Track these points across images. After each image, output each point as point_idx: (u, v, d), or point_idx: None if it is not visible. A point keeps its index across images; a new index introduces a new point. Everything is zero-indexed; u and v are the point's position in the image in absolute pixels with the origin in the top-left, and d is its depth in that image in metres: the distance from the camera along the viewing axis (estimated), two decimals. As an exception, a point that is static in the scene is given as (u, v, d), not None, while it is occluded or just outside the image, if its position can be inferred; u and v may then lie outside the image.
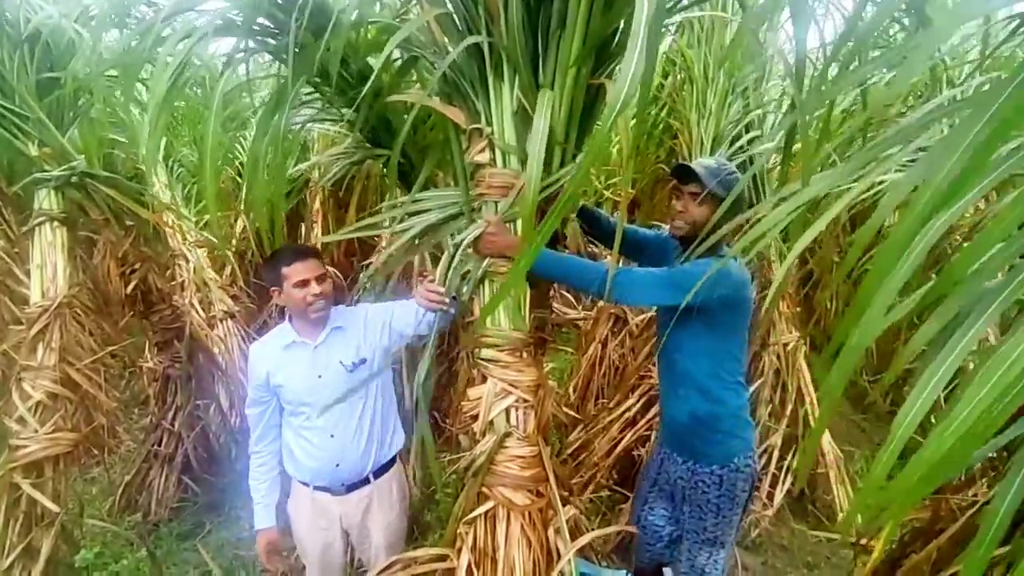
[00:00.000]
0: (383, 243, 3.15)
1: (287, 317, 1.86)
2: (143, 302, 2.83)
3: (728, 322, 1.72)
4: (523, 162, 1.54)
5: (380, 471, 1.91)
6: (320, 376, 1.78)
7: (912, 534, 2.24)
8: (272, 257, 1.79)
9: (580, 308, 4.31)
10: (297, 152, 4.27)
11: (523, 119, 1.52)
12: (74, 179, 2.34)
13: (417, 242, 1.88)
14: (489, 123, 1.55)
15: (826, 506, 3.10)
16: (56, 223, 2.34)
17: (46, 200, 2.31)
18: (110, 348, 2.64)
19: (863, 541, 2.64)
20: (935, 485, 0.86)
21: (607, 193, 4.26)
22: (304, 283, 1.72)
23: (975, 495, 2.00)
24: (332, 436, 1.80)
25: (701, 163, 1.74)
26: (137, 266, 2.71)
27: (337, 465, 1.83)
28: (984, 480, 2.10)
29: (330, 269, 1.94)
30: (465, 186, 1.63)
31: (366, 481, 1.89)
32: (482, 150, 1.55)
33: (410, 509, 2.21)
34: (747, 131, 2.95)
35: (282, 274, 1.73)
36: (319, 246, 4.11)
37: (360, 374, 1.81)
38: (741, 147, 2.87)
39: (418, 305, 1.82)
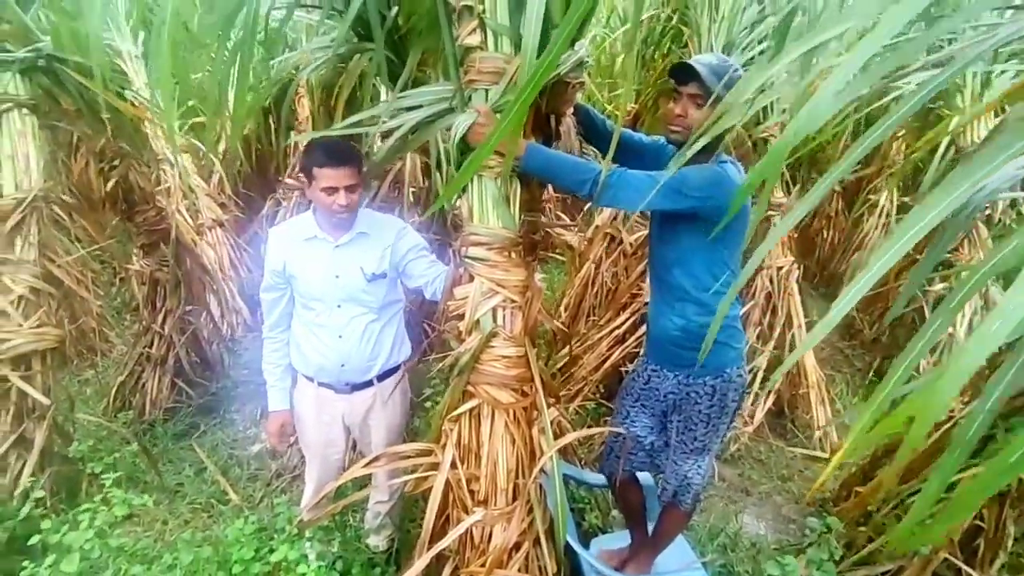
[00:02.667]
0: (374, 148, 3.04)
1: (311, 208, 1.82)
2: (125, 201, 2.74)
3: (725, 233, 1.65)
4: (516, 45, 1.42)
5: (384, 376, 1.94)
6: (338, 276, 1.78)
7: (884, 448, 2.31)
8: (309, 148, 1.73)
9: (575, 231, 4.25)
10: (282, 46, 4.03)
11: (518, -5, 1.39)
12: (40, 62, 2.19)
13: (410, 138, 1.79)
14: (481, 0, 1.42)
15: (805, 425, 3.18)
16: (25, 111, 2.22)
17: (11, 85, 2.17)
18: (93, 247, 2.59)
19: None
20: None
21: (609, 107, 4.08)
22: (332, 190, 1.67)
23: (950, 411, 2.03)
24: (340, 337, 1.81)
25: (700, 60, 1.60)
26: (116, 163, 2.60)
27: (343, 365, 1.84)
28: (959, 397, 2.13)
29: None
30: (456, 72, 1.51)
31: (369, 383, 1.91)
32: (472, 31, 1.43)
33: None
34: (762, 42, 2.77)
35: (312, 173, 1.68)
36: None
37: (377, 286, 1.82)
38: (753, 57, 2.70)
39: (436, 276, 1.83)
